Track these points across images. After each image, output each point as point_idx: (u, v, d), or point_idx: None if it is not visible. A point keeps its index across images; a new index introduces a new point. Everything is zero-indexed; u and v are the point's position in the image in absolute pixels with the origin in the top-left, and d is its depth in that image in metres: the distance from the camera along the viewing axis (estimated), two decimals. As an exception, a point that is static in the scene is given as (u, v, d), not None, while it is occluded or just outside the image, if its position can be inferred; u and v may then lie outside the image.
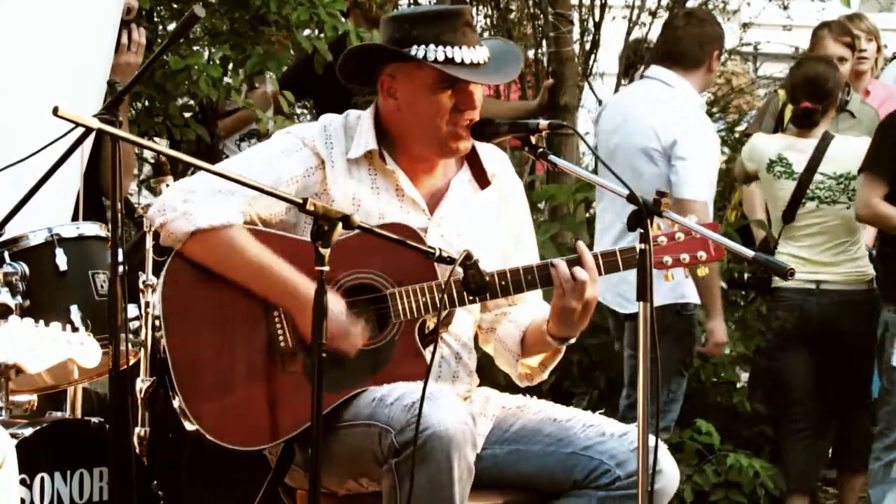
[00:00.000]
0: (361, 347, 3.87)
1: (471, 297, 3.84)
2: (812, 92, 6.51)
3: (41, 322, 3.55)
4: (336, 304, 3.81)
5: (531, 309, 4.07)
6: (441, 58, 3.83)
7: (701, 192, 5.99)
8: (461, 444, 3.64)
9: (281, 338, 3.86)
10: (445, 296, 3.84)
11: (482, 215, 4.05)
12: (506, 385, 4.30)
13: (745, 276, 6.66)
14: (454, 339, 4.01)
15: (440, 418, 3.62)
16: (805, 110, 6.52)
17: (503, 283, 3.88)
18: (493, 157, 4.09)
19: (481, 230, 4.03)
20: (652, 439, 3.57)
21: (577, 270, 3.83)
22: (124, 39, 5.49)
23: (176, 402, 3.86)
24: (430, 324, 3.89)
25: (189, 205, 3.85)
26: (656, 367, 3.50)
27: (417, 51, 3.84)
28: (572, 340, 3.97)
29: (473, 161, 4.05)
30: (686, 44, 6.15)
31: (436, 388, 3.75)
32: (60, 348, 3.52)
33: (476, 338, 4.16)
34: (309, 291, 3.58)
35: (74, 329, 3.65)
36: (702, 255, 3.90)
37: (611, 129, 6.24)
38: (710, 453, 6.78)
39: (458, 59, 3.84)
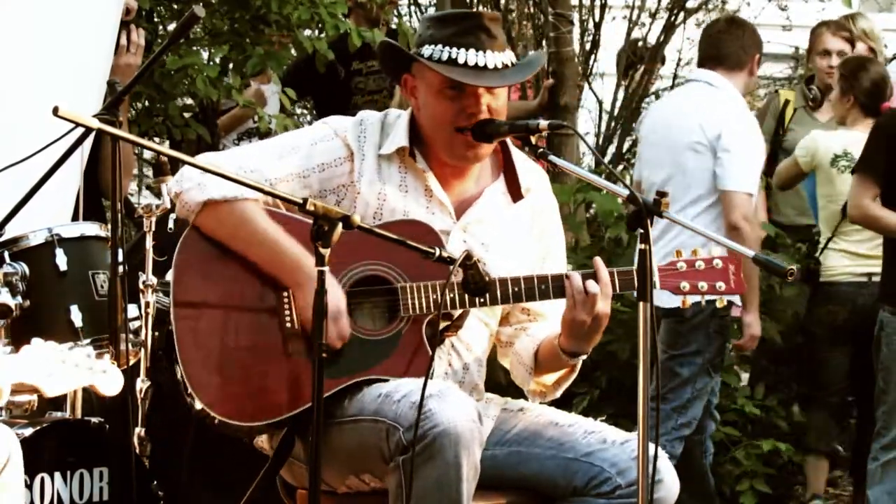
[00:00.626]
0: (367, 337, 3.86)
1: (481, 300, 3.84)
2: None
3: (65, 346, 3.54)
4: (336, 292, 3.78)
5: (550, 325, 4.03)
6: (444, 58, 3.82)
7: (745, 184, 6.05)
8: (470, 441, 3.64)
9: (287, 318, 3.85)
10: (456, 295, 3.84)
11: (513, 228, 4.02)
12: (506, 384, 4.30)
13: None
14: (465, 348, 4.00)
15: (449, 416, 3.61)
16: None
17: (516, 289, 3.86)
18: (531, 171, 4.06)
19: (510, 242, 4.00)
20: (652, 448, 3.56)
21: (590, 284, 3.81)
22: (123, 41, 5.49)
23: (178, 372, 3.86)
24: (442, 324, 3.89)
25: (205, 176, 3.85)
26: (656, 367, 3.50)
27: (425, 50, 3.85)
28: (584, 356, 3.94)
29: (510, 173, 4.03)
30: (728, 46, 6.23)
31: (444, 384, 3.74)
32: (82, 375, 3.51)
33: (494, 353, 4.15)
34: (313, 271, 3.52)
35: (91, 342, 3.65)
36: (721, 285, 3.89)
37: (652, 129, 6.34)
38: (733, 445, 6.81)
39: (461, 61, 3.82)
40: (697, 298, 3.91)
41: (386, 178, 3.94)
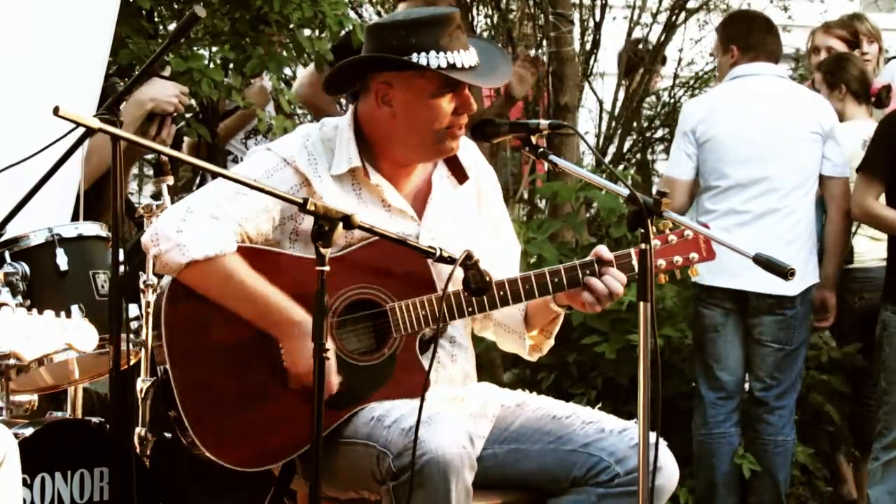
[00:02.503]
0: (363, 364, 3.89)
1: (469, 309, 3.88)
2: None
3: (34, 311, 3.54)
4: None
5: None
6: (444, 64, 3.85)
7: (848, 170, 6.41)
8: (459, 468, 3.67)
9: (284, 359, 3.87)
10: (445, 307, 3.87)
11: (465, 210, 4.09)
12: (507, 385, 4.31)
13: None
14: (449, 341, 4.03)
15: (438, 444, 3.65)
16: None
17: (527, 286, 3.91)
18: (466, 149, 4.10)
19: (467, 225, 4.06)
20: (652, 436, 3.58)
21: (613, 284, 3.89)
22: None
23: (174, 417, 3.87)
24: (427, 335, 3.91)
25: (182, 235, 3.85)
26: (657, 367, 3.50)
27: (419, 58, 3.84)
28: None
29: (449, 156, 4.06)
30: (774, 44, 6.53)
31: (434, 410, 3.76)
32: (56, 334, 3.52)
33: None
34: (301, 319, 3.69)
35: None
36: (694, 255, 3.95)
37: (741, 128, 6.38)
38: None
39: (458, 64, 3.86)
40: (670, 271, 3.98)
41: (345, 197, 3.95)
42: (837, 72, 6.96)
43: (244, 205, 3.87)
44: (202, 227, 3.85)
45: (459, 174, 4.08)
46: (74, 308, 4.51)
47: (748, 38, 6.53)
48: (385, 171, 3.99)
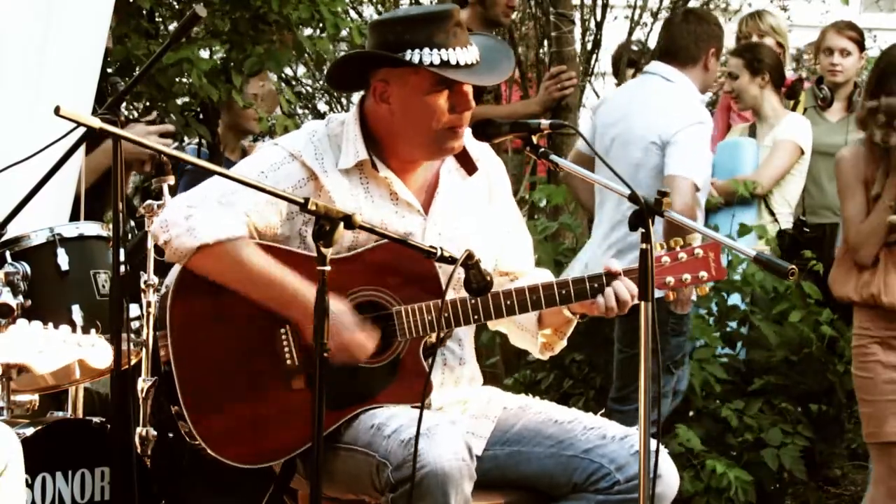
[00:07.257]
0: (367, 366, 3.88)
1: (475, 317, 3.87)
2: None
3: (50, 324, 3.54)
4: (343, 311, 3.81)
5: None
6: (437, 61, 3.83)
7: (690, 172, 5.91)
8: (458, 480, 3.66)
9: (287, 356, 3.87)
10: (451, 314, 3.87)
11: (474, 203, 4.07)
12: (508, 387, 4.31)
13: None
14: (457, 343, 4.03)
15: (436, 455, 3.64)
16: None
17: (534, 297, 3.90)
18: (475, 141, 4.07)
19: (475, 218, 4.05)
20: (653, 444, 3.57)
21: (623, 293, 3.88)
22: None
23: (176, 412, 3.86)
24: (431, 340, 3.90)
25: (192, 220, 3.84)
26: (657, 366, 3.50)
27: (412, 55, 3.83)
28: None
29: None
30: (682, 40, 6.20)
31: (433, 420, 3.74)
32: (70, 350, 3.51)
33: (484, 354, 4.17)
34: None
35: (82, 330, 3.65)
36: (703, 274, 3.92)
37: (609, 123, 6.26)
38: (690, 459, 6.62)
39: (453, 62, 3.83)
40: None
41: (353, 190, 3.94)
42: (761, 58, 7.14)
43: (250, 195, 3.84)
44: (211, 212, 3.85)
45: (468, 166, 4.06)
46: (76, 307, 4.52)
47: (658, 36, 6.46)
48: (393, 166, 3.97)
